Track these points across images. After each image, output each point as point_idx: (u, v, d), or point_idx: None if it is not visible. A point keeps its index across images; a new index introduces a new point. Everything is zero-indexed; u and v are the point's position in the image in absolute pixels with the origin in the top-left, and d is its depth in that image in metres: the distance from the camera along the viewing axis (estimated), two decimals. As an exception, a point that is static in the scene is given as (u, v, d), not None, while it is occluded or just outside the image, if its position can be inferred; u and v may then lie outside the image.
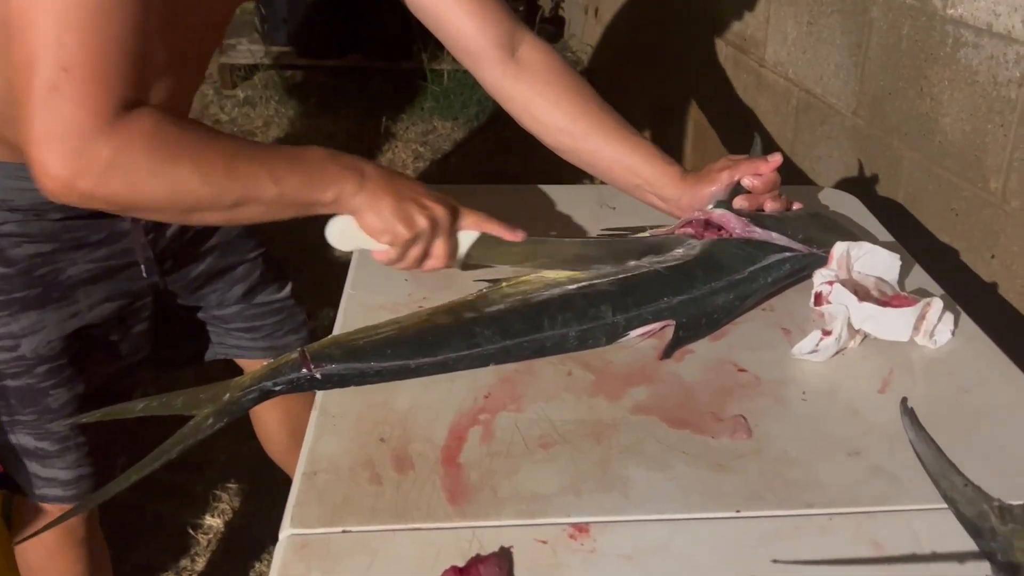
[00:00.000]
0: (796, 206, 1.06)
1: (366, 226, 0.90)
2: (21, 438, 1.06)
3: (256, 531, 1.74)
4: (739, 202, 1.00)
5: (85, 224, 1.00)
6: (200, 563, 1.68)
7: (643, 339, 0.89)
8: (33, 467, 1.07)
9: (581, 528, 0.66)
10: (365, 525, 0.66)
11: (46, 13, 0.72)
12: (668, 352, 0.87)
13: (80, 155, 0.74)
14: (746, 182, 1.01)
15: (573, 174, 1.16)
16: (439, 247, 0.92)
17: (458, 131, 3.61)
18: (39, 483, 1.08)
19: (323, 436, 0.75)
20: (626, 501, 0.68)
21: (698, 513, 0.68)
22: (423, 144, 3.50)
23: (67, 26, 0.72)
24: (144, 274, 1.07)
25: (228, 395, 0.77)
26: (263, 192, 0.83)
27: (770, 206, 1.02)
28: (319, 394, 0.80)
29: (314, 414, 0.78)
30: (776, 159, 1.01)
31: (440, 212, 0.91)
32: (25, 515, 1.16)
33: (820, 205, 1.20)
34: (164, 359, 1.20)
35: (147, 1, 0.76)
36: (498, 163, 3.30)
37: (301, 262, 1.20)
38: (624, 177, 1.05)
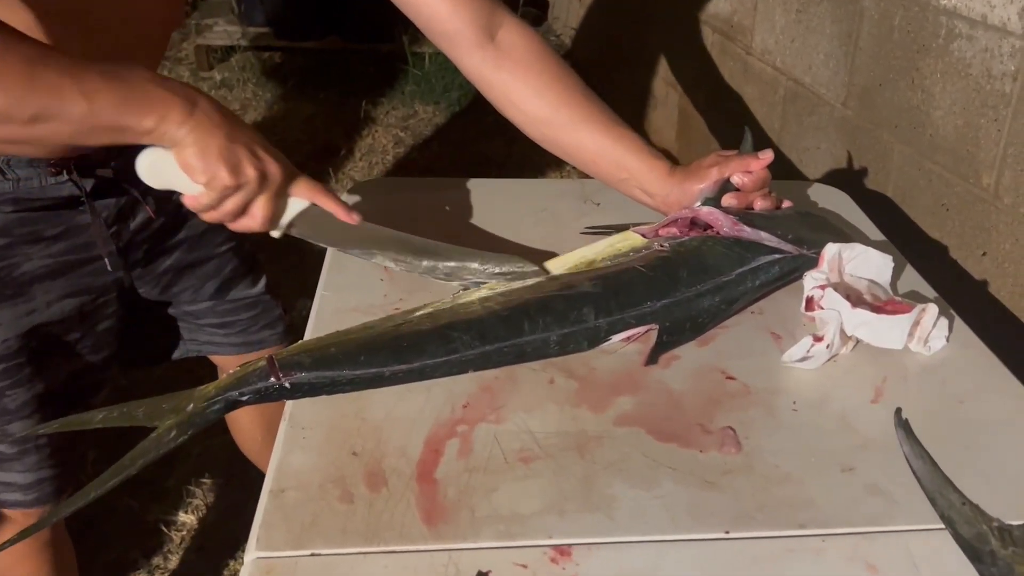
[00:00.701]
0: (786, 204, 1.02)
1: (184, 162, 0.79)
2: None
3: (230, 528, 1.70)
4: (728, 200, 0.97)
5: (41, 216, 0.95)
6: (173, 561, 1.64)
7: (627, 343, 0.86)
8: None
9: (563, 551, 0.63)
10: (335, 548, 0.62)
11: None
12: (653, 358, 0.84)
13: None
14: (735, 179, 0.97)
15: (558, 163, 1.13)
16: (261, 205, 0.83)
17: (440, 116, 3.55)
18: None
19: (292, 450, 0.71)
20: (611, 522, 0.65)
21: (686, 535, 0.64)
22: (404, 129, 3.44)
23: None
24: (108, 268, 1.02)
25: (192, 406, 0.73)
26: (69, 108, 0.72)
27: (760, 204, 0.98)
28: (288, 404, 0.76)
29: (283, 426, 0.74)
30: (767, 156, 0.98)
31: (273, 168, 0.83)
32: None
33: (808, 201, 1.17)
34: (132, 357, 1.16)
35: None
36: (481, 149, 3.25)
37: (274, 252, 1.16)
38: (609, 170, 1.01)
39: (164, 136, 0.78)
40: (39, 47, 0.74)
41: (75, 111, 0.73)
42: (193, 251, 1.13)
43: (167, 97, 0.77)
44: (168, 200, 1.06)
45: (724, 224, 0.94)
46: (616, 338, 0.86)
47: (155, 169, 0.81)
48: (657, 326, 0.86)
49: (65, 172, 0.93)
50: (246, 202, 0.83)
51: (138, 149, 0.81)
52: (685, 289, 0.88)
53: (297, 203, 0.87)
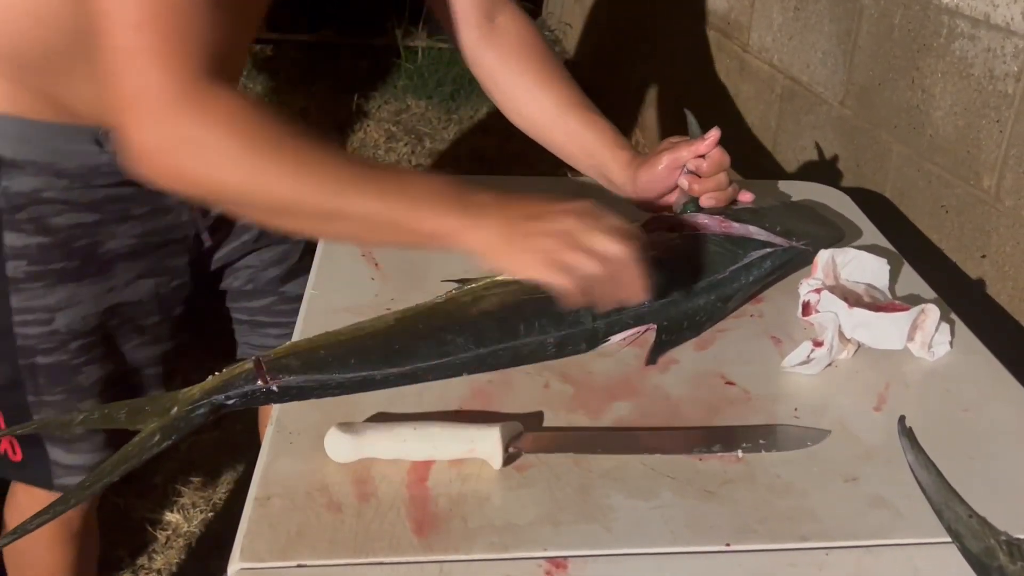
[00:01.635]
0: (744, 196, 1.00)
1: (497, 267, 0.77)
2: None
3: (218, 527, 1.68)
4: (706, 200, 0.96)
5: (132, 195, 0.96)
6: (158, 561, 1.61)
7: (624, 345, 0.84)
8: (56, 454, 1.01)
9: (558, 563, 0.61)
10: (322, 559, 0.60)
11: None
12: (652, 357, 0.82)
13: (159, 122, 0.68)
14: (691, 166, 0.96)
15: (552, 160, 1.11)
16: (602, 243, 0.74)
17: (432, 110, 3.52)
18: (59, 471, 1.02)
19: (279, 456, 0.69)
20: (607, 534, 0.63)
21: (685, 547, 0.62)
22: (396, 123, 3.41)
23: None
24: (202, 238, 1.05)
25: (176, 409, 0.71)
26: (356, 207, 0.72)
27: (719, 196, 0.97)
28: (276, 408, 0.74)
29: (269, 430, 0.72)
30: (713, 135, 0.96)
31: (568, 221, 0.75)
32: (21, 504, 1.10)
33: (806, 199, 1.15)
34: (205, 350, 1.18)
35: None
36: (474, 144, 3.23)
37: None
38: (578, 156, 1.03)
39: (448, 240, 0.74)
40: (328, 145, 0.74)
41: (359, 211, 0.73)
42: (264, 235, 1.12)
43: (448, 207, 0.74)
44: None
45: (711, 226, 0.93)
46: (614, 339, 0.84)
47: (340, 447, 0.69)
48: (655, 326, 0.84)
49: None
50: (586, 256, 0.74)
51: None
52: (681, 288, 0.87)
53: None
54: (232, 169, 0.70)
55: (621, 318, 0.84)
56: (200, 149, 0.69)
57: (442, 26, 1.05)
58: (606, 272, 0.74)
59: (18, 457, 1.03)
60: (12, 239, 0.92)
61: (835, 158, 1.66)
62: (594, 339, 0.83)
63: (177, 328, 1.08)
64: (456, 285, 0.87)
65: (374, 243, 0.77)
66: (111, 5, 0.67)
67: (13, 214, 0.92)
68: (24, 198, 0.91)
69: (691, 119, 1.03)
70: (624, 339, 0.84)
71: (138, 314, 1.02)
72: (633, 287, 0.76)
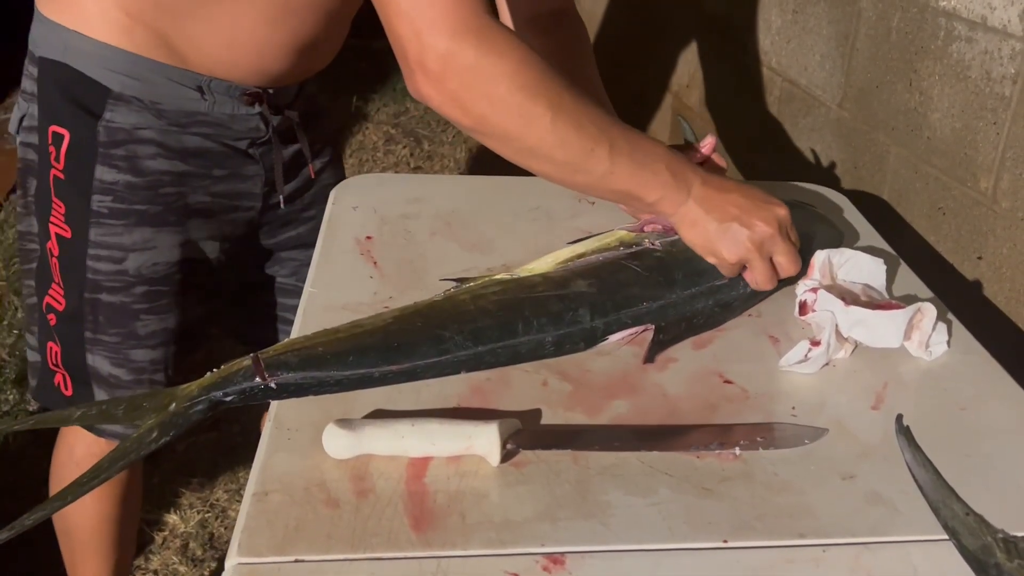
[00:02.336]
0: None
1: (688, 240, 0.87)
2: (97, 360, 1.02)
3: (215, 529, 1.67)
4: (709, 144, 0.98)
5: (217, 153, 1.00)
6: (155, 562, 1.61)
7: (622, 344, 0.84)
8: (100, 396, 1.03)
9: (556, 559, 0.61)
10: (320, 554, 0.60)
11: None
12: (650, 356, 0.82)
13: (450, 51, 0.74)
14: None
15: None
16: (782, 257, 0.87)
17: (432, 113, 3.52)
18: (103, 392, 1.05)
19: (277, 452, 0.69)
20: (605, 530, 0.63)
21: (683, 543, 0.62)
22: (395, 126, 3.42)
23: None
24: (280, 202, 1.09)
25: (174, 405, 0.71)
26: (597, 165, 0.80)
27: None
28: (274, 405, 0.74)
29: (267, 426, 0.72)
30: (708, 143, 0.98)
31: (764, 229, 0.85)
32: (68, 445, 1.13)
33: (805, 202, 1.15)
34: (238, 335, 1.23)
35: None
36: (472, 146, 3.23)
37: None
38: None
39: (661, 212, 0.86)
40: (585, 98, 0.81)
41: (600, 169, 0.81)
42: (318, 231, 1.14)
43: (669, 181, 0.84)
44: (317, 176, 1.15)
45: None
46: (613, 338, 0.84)
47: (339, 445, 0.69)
48: (653, 326, 0.85)
49: (257, 104, 1.00)
50: (767, 263, 0.87)
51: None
52: (680, 290, 0.87)
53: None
54: (504, 104, 0.76)
55: (619, 317, 0.84)
56: (481, 78, 0.75)
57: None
58: (773, 282, 0.87)
59: (69, 392, 1.06)
60: (103, 173, 0.95)
61: (833, 160, 1.66)
62: (592, 338, 0.83)
63: (217, 297, 1.11)
64: (455, 284, 0.87)
65: (600, 197, 0.87)
66: None
67: (109, 148, 0.95)
68: (124, 133, 0.95)
69: (685, 126, 1.04)
70: (622, 338, 0.84)
71: (200, 273, 1.05)
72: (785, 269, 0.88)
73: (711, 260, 0.87)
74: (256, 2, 0.92)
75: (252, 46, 0.95)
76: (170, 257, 1.01)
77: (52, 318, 1.03)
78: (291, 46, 0.98)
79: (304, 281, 1.15)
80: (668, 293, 0.87)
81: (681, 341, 0.85)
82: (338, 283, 0.92)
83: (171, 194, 0.99)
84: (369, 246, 0.99)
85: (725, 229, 0.85)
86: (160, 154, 0.97)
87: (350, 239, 1.00)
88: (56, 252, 1.00)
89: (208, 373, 0.73)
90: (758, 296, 0.91)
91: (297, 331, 0.84)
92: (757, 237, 0.85)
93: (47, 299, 1.02)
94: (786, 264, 0.87)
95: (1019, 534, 0.62)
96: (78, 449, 1.12)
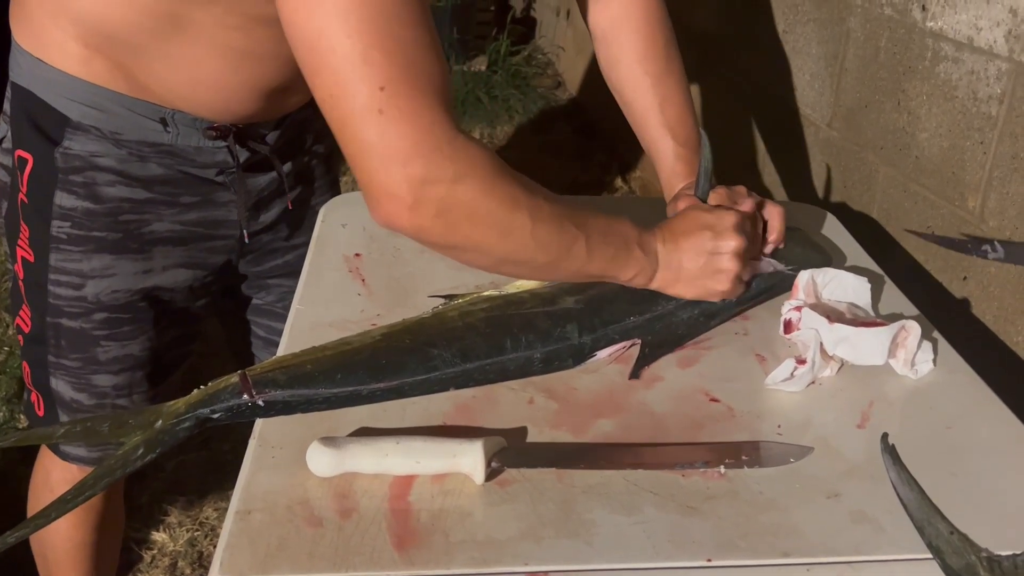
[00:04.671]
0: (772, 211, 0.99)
1: (680, 296, 0.88)
2: (60, 384, 1.02)
3: (203, 547, 1.66)
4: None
5: (183, 181, 0.98)
6: (142, 580, 1.60)
7: (609, 361, 0.84)
8: (64, 419, 1.03)
9: (540, 578, 0.60)
10: (301, 573, 0.60)
11: (342, 34, 0.65)
12: (635, 371, 0.83)
13: (425, 178, 0.69)
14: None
15: (542, 178, 1.12)
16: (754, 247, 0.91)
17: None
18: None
19: (260, 470, 0.69)
20: (589, 548, 0.63)
21: (667, 562, 0.62)
22: (389, 144, 3.43)
23: (370, 40, 0.65)
24: (245, 239, 1.06)
25: (160, 422, 0.71)
26: (573, 260, 0.80)
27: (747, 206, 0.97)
28: (258, 422, 0.74)
29: (251, 444, 0.72)
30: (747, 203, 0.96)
31: (734, 246, 0.87)
32: (45, 468, 1.13)
33: (793, 222, 1.16)
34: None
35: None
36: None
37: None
38: (648, 149, 1.06)
39: (638, 285, 0.86)
40: (554, 197, 0.79)
41: (576, 264, 0.80)
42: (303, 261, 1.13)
43: (641, 257, 0.84)
44: (305, 203, 1.13)
45: None
46: (600, 354, 0.84)
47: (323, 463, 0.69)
48: (640, 340, 0.85)
49: (222, 138, 0.98)
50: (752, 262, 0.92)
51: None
52: (665, 302, 0.88)
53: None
54: (485, 221, 0.73)
55: (607, 333, 0.85)
56: (461, 200, 0.71)
57: None
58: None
59: (41, 412, 1.05)
60: (62, 199, 0.95)
61: (823, 179, 1.67)
62: (580, 354, 0.84)
63: (198, 318, 1.10)
64: (443, 300, 0.88)
65: (575, 281, 0.85)
66: (345, 70, 0.66)
67: (68, 175, 0.94)
68: (81, 161, 0.94)
69: (704, 140, 1.00)
70: (610, 355, 0.85)
71: (169, 301, 1.04)
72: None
73: (714, 300, 0.89)
74: (216, 46, 0.89)
75: (215, 86, 0.93)
76: (131, 285, 0.99)
77: (21, 339, 1.04)
78: (257, 89, 0.95)
79: (288, 307, 1.16)
80: (654, 306, 0.87)
81: (667, 353, 0.86)
82: (326, 301, 0.92)
83: (132, 221, 0.98)
84: (357, 263, 0.99)
85: (703, 271, 0.86)
86: (119, 181, 0.96)
87: (339, 256, 1.00)
88: (22, 275, 1.00)
89: (195, 390, 0.73)
90: (741, 307, 0.92)
91: (284, 348, 0.84)
92: (731, 257, 0.87)
93: (17, 320, 1.03)
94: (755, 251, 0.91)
95: (1004, 553, 0.62)
96: (54, 474, 1.11)
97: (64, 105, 0.92)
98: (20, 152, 0.95)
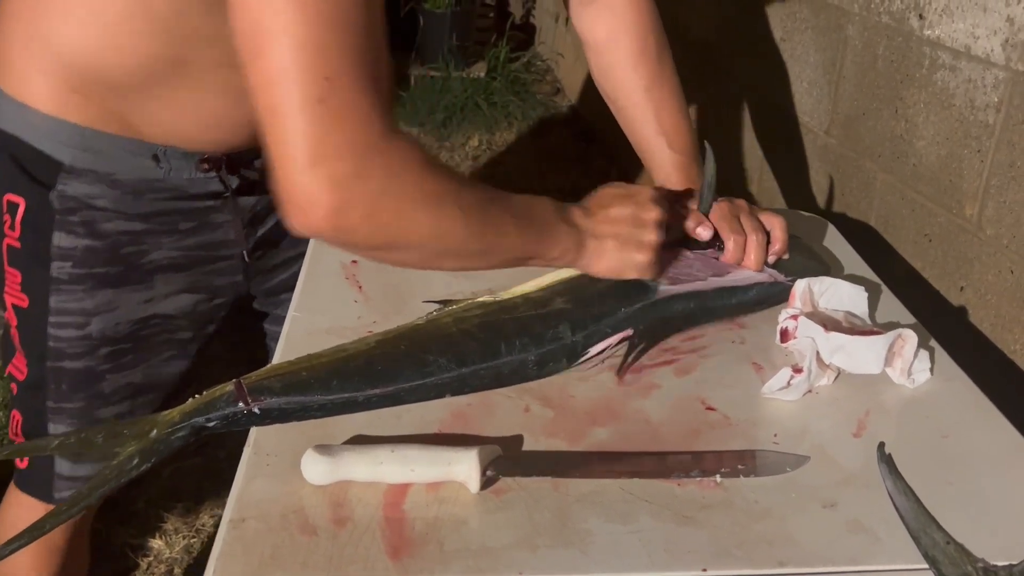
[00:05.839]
0: (772, 222, 0.99)
1: (601, 274, 0.87)
2: (59, 429, 0.99)
3: (200, 554, 1.66)
4: (702, 232, 0.95)
5: (180, 208, 0.97)
6: (138, 587, 1.60)
7: (605, 365, 0.84)
8: (61, 466, 1.00)
9: (534, 588, 0.60)
10: (296, 582, 0.60)
11: (294, 18, 0.62)
12: (629, 362, 0.83)
13: (354, 177, 0.65)
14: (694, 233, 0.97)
15: (541, 184, 1.13)
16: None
17: (424, 137, 3.54)
18: (61, 484, 1.01)
19: (255, 478, 0.69)
20: (584, 557, 0.62)
21: (662, 571, 0.62)
22: (388, 149, 3.43)
23: (324, 27, 0.63)
24: (245, 259, 1.05)
25: (155, 432, 0.70)
26: (505, 242, 0.78)
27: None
28: (252, 430, 0.73)
29: (246, 452, 0.71)
30: (703, 235, 0.96)
31: (657, 236, 0.87)
32: (11, 512, 1.08)
33: (792, 230, 1.16)
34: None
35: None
36: (464, 170, 3.24)
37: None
38: (643, 158, 1.06)
39: (566, 263, 0.85)
40: (477, 184, 0.77)
41: (508, 246, 0.79)
42: None
43: (568, 231, 0.83)
44: None
45: (695, 265, 0.93)
46: (593, 350, 0.84)
47: (319, 471, 0.69)
48: (632, 331, 0.85)
49: (215, 170, 0.97)
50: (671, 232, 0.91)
51: None
52: (655, 293, 0.89)
53: None
54: (419, 218, 0.70)
55: (599, 328, 0.85)
56: (393, 200, 0.68)
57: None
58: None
59: (24, 464, 1.02)
60: (61, 239, 0.93)
61: (820, 186, 1.67)
62: (574, 353, 0.84)
63: (205, 345, 1.08)
64: (438, 306, 0.87)
65: (505, 267, 0.82)
66: (292, 56, 0.62)
67: (66, 216, 0.93)
68: (77, 202, 0.92)
69: (709, 153, 0.99)
70: (603, 349, 0.85)
71: (172, 328, 1.02)
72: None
73: (635, 275, 0.88)
74: (215, 85, 0.88)
75: (214, 123, 0.92)
76: (133, 315, 0.98)
77: (14, 388, 1.00)
78: (254, 121, 0.94)
79: None
80: (646, 296, 0.88)
81: (660, 342, 0.87)
82: (322, 307, 0.92)
83: (133, 253, 0.96)
84: (354, 270, 0.99)
85: (626, 242, 0.85)
86: (116, 217, 0.94)
87: (335, 263, 1.00)
88: (15, 322, 0.97)
89: (190, 399, 0.73)
90: (737, 312, 0.92)
91: (280, 356, 0.83)
92: (652, 227, 0.86)
93: (10, 368, 1.00)
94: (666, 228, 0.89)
95: (1000, 563, 0.62)
96: (22, 513, 1.08)
97: (55, 149, 0.90)
98: (10, 196, 0.92)
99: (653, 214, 0.86)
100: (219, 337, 1.16)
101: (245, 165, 1.01)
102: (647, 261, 0.87)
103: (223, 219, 1.01)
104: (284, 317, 1.17)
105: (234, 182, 1.00)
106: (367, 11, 0.65)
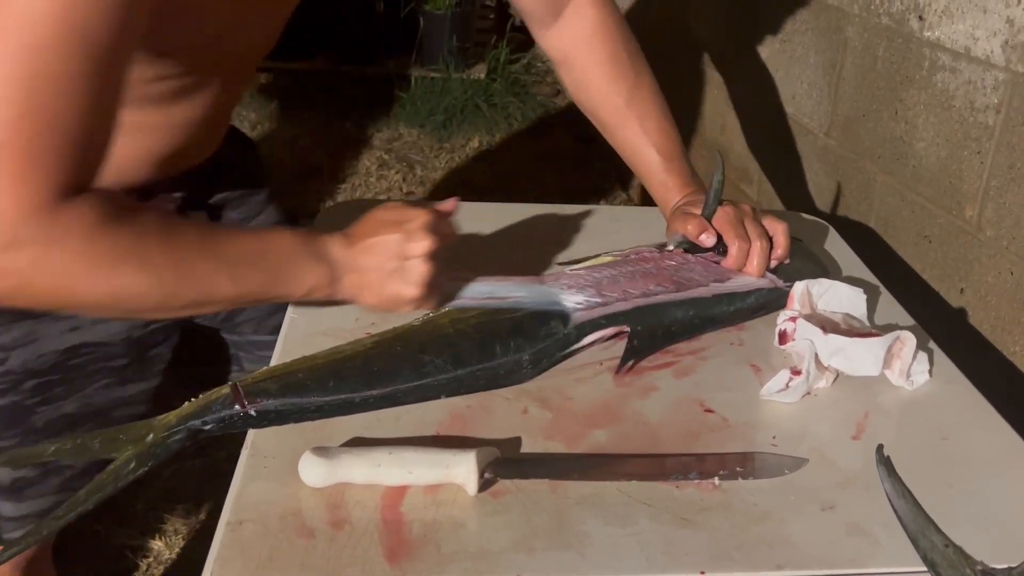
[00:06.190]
0: (776, 227, 0.99)
1: (370, 307, 0.82)
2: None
3: (199, 555, 1.65)
4: (706, 239, 0.95)
5: None
6: (138, 589, 1.60)
7: (602, 360, 0.84)
8: (5, 508, 0.97)
9: (532, 590, 0.60)
10: (293, 585, 0.60)
11: None
12: (623, 362, 0.83)
13: (3, 248, 0.62)
14: (696, 239, 0.96)
15: (540, 186, 1.13)
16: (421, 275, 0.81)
17: (424, 139, 3.54)
18: (8, 525, 0.97)
19: (252, 480, 0.69)
20: (582, 560, 0.62)
21: (660, 574, 0.62)
22: (388, 151, 3.43)
23: (7, 95, 0.60)
24: None
25: (152, 436, 0.70)
26: (220, 293, 0.74)
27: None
28: (250, 432, 0.73)
29: (244, 454, 0.71)
30: (707, 242, 0.95)
31: (427, 268, 0.80)
32: None
33: (792, 232, 1.16)
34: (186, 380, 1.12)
35: (117, 72, 0.65)
36: (465, 172, 3.24)
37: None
38: (634, 168, 1.05)
39: (324, 296, 0.80)
40: (193, 232, 0.73)
41: (226, 295, 0.74)
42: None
43: (316, 266, 0.78)
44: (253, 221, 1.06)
45: (696, 269, 0.93)
46: (586, 340, 0.84)
47: (316, 474, 0.69)
48: (628, 328, 0.85)
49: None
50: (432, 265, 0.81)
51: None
52: (654, 295, 0.88)
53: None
54: (89, 285, 0.67)
55: (594, 319, 0.85)
56: (51, 273, 0.65)
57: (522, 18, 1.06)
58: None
59: None
60: None
61: (820, 188, 1.67)
62: (566, 344, 0.84)
63: (152, 370, 1.03)
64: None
65: (246, 306, 0.78)
66: None
67: None
68: None
69: (720, 162, 0.98)
70: (596, 339, 0.84)
71: (104, 355, 0.98)
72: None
73: (407, 309, 0.82)
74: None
75: (109, 161, 0.87)
76: (57, 345, 0.93)
77: None
78: (151, 158, 0.89)
79: (266, 329, 1.09)
80: (643, 297, 0.87)
81: (658, 349, 0.86)
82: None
83: None
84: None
85: (392, 275, 0.79)
86: None
87: (334, 265, 1.00)
88: None
89: (186, 402, 0.73)
90: (736, 319, 0.92)
91: (278, 358, 0.83)
92: (421, 259, 0.79)
93: None
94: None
95: (999, 566, 0.62)
96: None
97: None
98: None
99: (422, 244, 0.79)
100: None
101: (166, 193, 0.96)
102: (417, 295, 0.80)
103: None
104: (238, 326, 1.14)
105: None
106: (77, 73, 0.62)
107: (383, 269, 0.79)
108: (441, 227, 0.82)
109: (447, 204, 0.85)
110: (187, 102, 0.86)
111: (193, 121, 0.89)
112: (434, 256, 0.80)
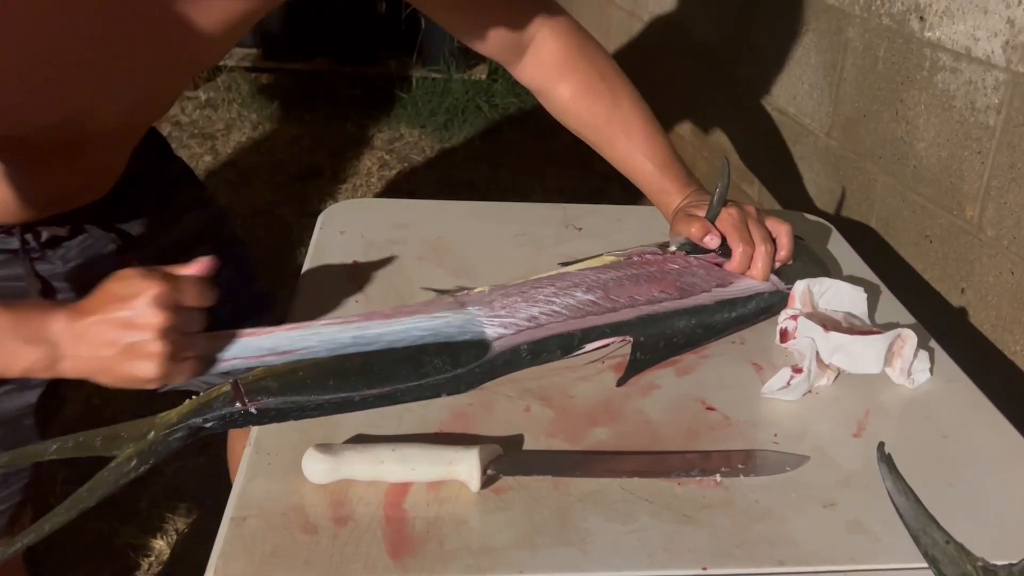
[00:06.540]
0: (779, 229, 0.99)
1: (106, 384, 0.73)
2: None
3: (203, 554, 1.66)
4: (710, 242, 0.94)
5: None
6: (140, 587, 1.60)
7: (604, 356, 0.84)
8: None
9: (534, 587, 0.60)
10: (296, 581, 0.60)
11: None
12: (626, 377, 0.83)
13: None
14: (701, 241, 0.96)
15: (542, 186, 1.13)
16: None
17: (425, 139, 3.54)
18: None
19: (256, 477, 0.69)
20: (584, 556, 0.63)
21: (662, 570, 0.62)
22: (389, 152, 3.43)
23: None
24: (58, 294, 0.94)
25: (152, 433, 0.70)
26: None
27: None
28: (254, 429, 0.73)
29: (247, 451, 0.72)
30: (711, 244, 0.94)
31: (162, 346, 0.71)
32: None
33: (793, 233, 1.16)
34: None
35: None
36: (465, 173, 3.24)
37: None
38: (631, 177, 1.05)
39: (48, 375, 0.72)
40: None
41: None
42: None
43: (29, 350, 0.71)
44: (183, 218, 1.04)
45: (699, 274, 0.93)
46: (589, 347, 0.84)
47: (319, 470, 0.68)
48: (631, 338, 0.85)
49: (5, 234, 0.89)
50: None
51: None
52: (659, 304, 0.88)
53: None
54: None
55: (599, 326, 0.85)
56: None
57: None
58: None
59: None
60: None
61: (821, 188, 1.67)
62: (570, 345, 0.84)
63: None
64: (434, 294, 0.87)
65: None
66: None
67: None
68: None
69: (727, 166, 0.97)
70: (599, 347, 0.85)
71: None
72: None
73: (146, 387, 0.73)
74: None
75: None
76: None
77: None
78: (41, 198, 0.86)
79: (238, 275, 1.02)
80: (648, 306, 0.87)
81: (659, 362, 0.86)
82: (324, 308, 0.92)
83: None
84: (355, 271, 0.99)
85: (120, 355, 0.71)
86: None
87: (336, 264, 1.00)
88: None
89: (187, 400, 0.73)
90: (739, 325, 0.92)
91: (280, 356, 0.83)
92: (154, 337, 0.71)
93: None
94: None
95: (999, 563, 0.62)
96: None
97: None
98: None
99: (154, 320, 0.70)
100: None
101: (55, 224, 0.92)
102: (156, 374, 0.71)
103: (16, 245, 0.92)
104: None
105: (44, 234, 0.92)
106: None
107: (113, 344, 0.71)
108: (183, 294, 0.72)
109: (195, 266, 0.75)
110: (62, 162, 0.82)
111: (74, 175, 0.85)
112: (174, 328, 0.71)
